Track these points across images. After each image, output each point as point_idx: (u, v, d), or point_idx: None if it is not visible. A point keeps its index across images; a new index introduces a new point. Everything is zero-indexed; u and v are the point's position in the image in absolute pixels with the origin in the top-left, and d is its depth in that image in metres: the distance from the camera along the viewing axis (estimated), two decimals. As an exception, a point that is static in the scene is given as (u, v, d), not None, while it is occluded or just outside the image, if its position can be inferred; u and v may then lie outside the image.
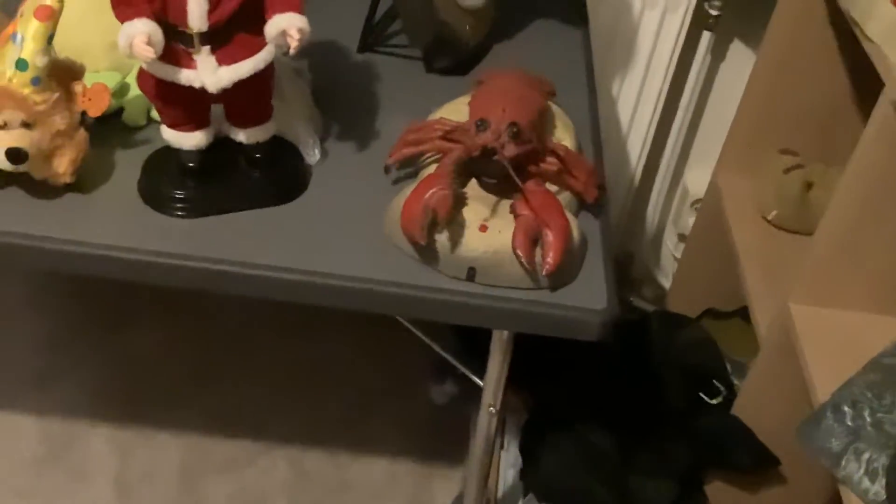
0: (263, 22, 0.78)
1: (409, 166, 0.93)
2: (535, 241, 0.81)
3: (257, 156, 0.88)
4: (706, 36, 1.42)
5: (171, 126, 0.84)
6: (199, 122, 0.84)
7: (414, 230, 0.80)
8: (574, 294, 0.83)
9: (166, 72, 0.78)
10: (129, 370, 1.49)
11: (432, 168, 0.88)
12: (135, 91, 0.91)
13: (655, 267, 1.71)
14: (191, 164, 0.85)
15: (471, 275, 0.83)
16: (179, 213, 0.85)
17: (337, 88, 1.03)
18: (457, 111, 0.95)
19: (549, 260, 0.80)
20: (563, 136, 0.95)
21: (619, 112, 1.48)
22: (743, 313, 1.45)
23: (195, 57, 0.77)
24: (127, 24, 0.73)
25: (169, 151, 0.86)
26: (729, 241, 1.38)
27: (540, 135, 0.88)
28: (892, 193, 1.00)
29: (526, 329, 0.84)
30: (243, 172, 0.88)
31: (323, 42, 1.09)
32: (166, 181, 0.86)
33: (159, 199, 0.86)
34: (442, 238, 0.82)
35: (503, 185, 0.85)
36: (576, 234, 0.83)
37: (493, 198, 0.86)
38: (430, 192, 0.81)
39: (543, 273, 0.80)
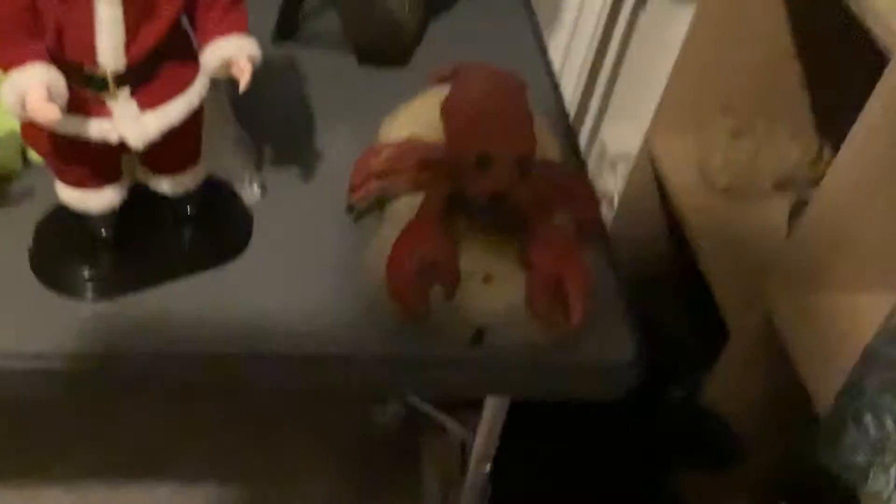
0: (192, 45, 0.59)
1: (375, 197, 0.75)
2: (554, 294, 0.67)
3: (187, 209, 0.68)
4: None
5: (73, 185, 0.63)
6: (108, 177, 0.64)
7: (410, 299, 0.64)
8: (594, 346, 0.69)
9: (71, 126, 0.57)
10: (9, 422, 1.26)
11: (404, 205, 0.72)
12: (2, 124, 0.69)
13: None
14: (102, 232, 0.65)
15: (478, 338, 0.68)
16: (90, 295, 0.65)
17: (258, 96, 0.83)
18: (416, 121, 0.78)
19: (575, 319, 0.66)
20: (547, 142, 0.80)
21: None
22: (680, 279, 1.38)
23: (109, 103, 0.57)
24: (15, 73, 0.51)
25: (70, 214, 0.65)
26: (669, 208, 1.29)
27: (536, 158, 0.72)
28: (887, 172, 0.92)
29: (541, 396, 0.70)
30: (172, 231, 0.69)
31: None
32: (71, 254, 0.66)
33: (64, 281, 0.65)
34: (439, 296, 0.66)
35: (502, 221, 0.69)
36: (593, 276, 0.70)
37: (488, 237, 0.71)
38: (424, 246, 0.65)
39: (567, 333, 0.66)
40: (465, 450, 1.07)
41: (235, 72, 0.58)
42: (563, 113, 0.91)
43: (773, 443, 1.15)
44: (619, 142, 1.49)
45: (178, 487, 1.22)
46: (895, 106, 0.86)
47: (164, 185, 0.67)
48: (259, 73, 0.87)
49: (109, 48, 0.54)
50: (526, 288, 0.67)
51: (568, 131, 0.88)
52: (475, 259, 0.68)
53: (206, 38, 0.57)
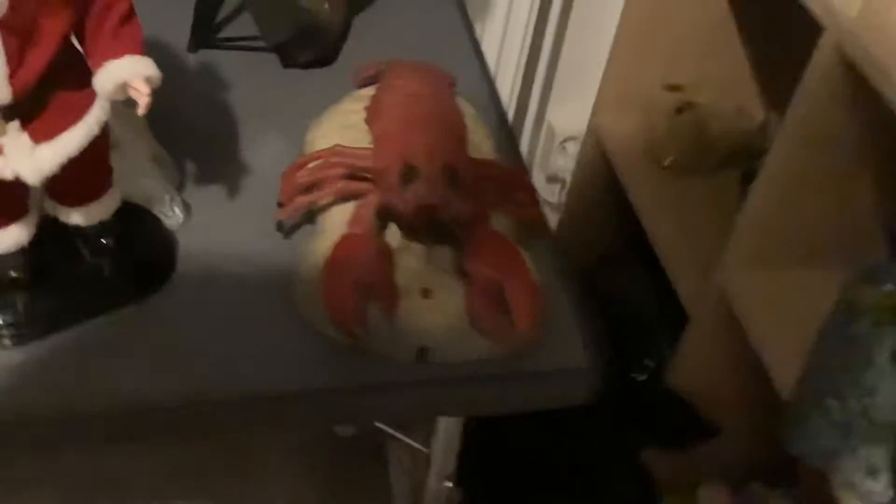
0: (85, 67, 0.55)
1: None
2: (497, 303, 0.64)
3: (102, 240, 0.64)
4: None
5: (-26, 226, 0.59)
6: (13, 214, 0.59)
7: (350, 324, 0.60)
8: (547, 355, 0.66)
9: (-43, 166, 0.53)
10: None
11: (337, 215, 0.68)
12: None
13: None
14: (12, 274, 0.61)
15: (422, 355, 0.64)
16: (6, 341, 0.61)
17: (177, 110, 0.79)
18: (344, 125, 0.74)
19: (524, 326, 0.63)
20: (480, 138, 0.76)
21: (486, 52, 1.31)
22: (635, 258, 1.36)
23: (0, 139, 0.53)
24: None
25: (-25, 256, 0.61)
26: (619, 188, 1.26)
27: (468, 159, 0.69)
28: (835, 142, 0.90)
29: (498, 410, 0.67)
30: (86, 265, 0.64)
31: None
32: (-20, 299, 0.61)
33: (-26, 327, 0.61)
34: (378, 316, 0.63)
35: (435, 230, 0.66)
36: (537, 277, 0.67)
37: (421, 246, 0.67)
38: (358, 265, 0.61)
39: (517, 342, 0.63)
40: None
41: (133, 94, 0.53)
42: (498, 106, 0.87)
43: (742, 422, 1.14)
44: (566, 123, 1.46)
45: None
46: (832, 78, 0.84)
47: (76, 217, 0.62)
48: (176, 84, 0.83)
49: (-9, 81, 0.50)
50: (466, 299, 0.64)
51: (504, 125, 0.85)
52: (411, 273, 0.65)
53: (98, 60, 0.53)
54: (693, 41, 1.21)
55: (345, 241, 0.63)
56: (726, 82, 1.23)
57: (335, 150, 0.70)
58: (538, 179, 1.55)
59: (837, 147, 0.90)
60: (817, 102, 0.87)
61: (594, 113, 1.31)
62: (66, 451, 0.63)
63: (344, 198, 0.69)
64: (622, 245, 1.41)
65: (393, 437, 0.92)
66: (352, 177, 0.68)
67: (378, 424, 0.93)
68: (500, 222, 0.70)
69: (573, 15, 1.35)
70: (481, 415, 0.73)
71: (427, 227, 0.64)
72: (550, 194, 1.53)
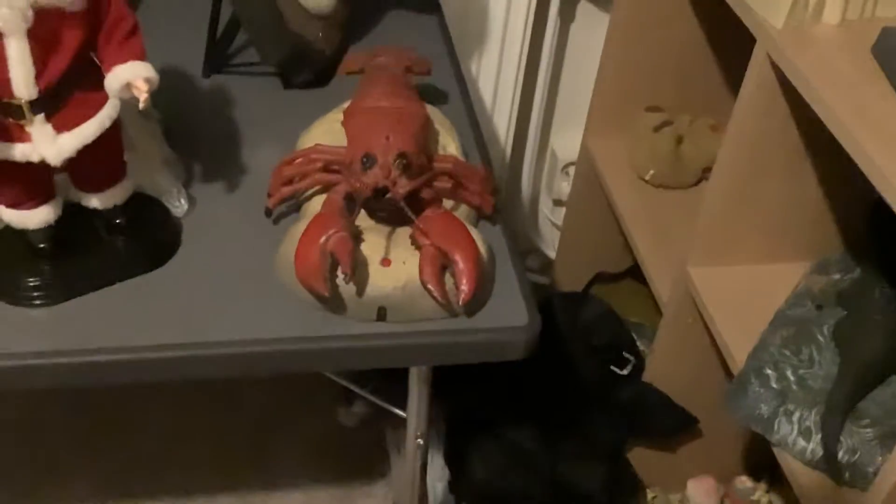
0: (101, 73, 0.68)
1: (291, 199, 0.84)
2: (444, 269, 0.75)
3: (117, 221, 0.78)
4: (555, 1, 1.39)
5: (11, 206, 0.73)
6: (43, 196, 0.73)
7: (315, 282, 0.72)
8: (492, 315, 0.78)
9: (-1, 152, 0.67)
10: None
11: (317, 203, 0.81)
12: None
13: (536, 236, 1.68)
14: (42, 245, 0.74)
15: (382, 315, 0.76)
16: (37, 301, 0.74)
17: (190, 122, 0.93)
18: (329, 130, 0.87)
19: (464, 288, 0.74)
20: (447, 141, 0.89)
21: (482, 89, 1.43)
22: (633, 273, 1.45)
23: (28, 129, 0.66)
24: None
25: (12, 231, 0.75)
26: (610, 204, 1.36)
27: (427, 152, 0.81)
28: (775, 144, 0.99)
29: (449, 361, 0.78)
30: (104, 242, 0.78)
31: (163, 71, 0.98)
32: (16, 267, 0.75)
33: (10, 290, 0.74)
34: (345, 283, 0.74)
35: (397, 214, 0.78)
36: (483, 250, 0.78)
37: (387, 227, 0.79)
38: (325, 236, 0.73)
39: (459, 303, 0.74)
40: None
41: (135, 92, 0.67)
42: (471, 115, 0.99)
43: (720, 415, 1.21)
44: (567, 149, 1.57)
45: (169, 501, 1.30)
46: (766, 85, 0.93)
47: (94, 201, 0.76)
48: (190, 102, 0.98)
49: (21, 80, 0.64)
50: (419, 268, 0.75)
51: (476, 132, 0.97)
52: (374, 246, 0.77)
53: (108, 66, 0.67)
54: (671, 65, 1.32)
55: (316, 219, 0.76)
56: (703, 102, 1.33)
57: (315, 149, 0.83)
58: (545, 204, 1.66)
59: (780, 147, 0.99)
60: (756, 108, 0.96)
61: (585, 136, 1.42)
62: (90, 396, 0.75)
63: (323, 188, 0.81)
64: (618, 260, 1.50)
65: (391, 420, 1.02)
66: (327, 170, 0.81)
67: (374, 400, 1.04)
68: (455, 208, 0.82)
69: (569, 43, 1.47)
70: (435, 364, 0.84)
71: (387, 208, 0.77)
72: (558, 217, 1.63)
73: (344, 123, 0.84)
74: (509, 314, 0.78)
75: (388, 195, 0.74)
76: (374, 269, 0.76)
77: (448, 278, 0.75)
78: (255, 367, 0.77)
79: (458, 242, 0.75)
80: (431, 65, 0.96)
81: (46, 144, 0.67)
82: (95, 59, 0.69)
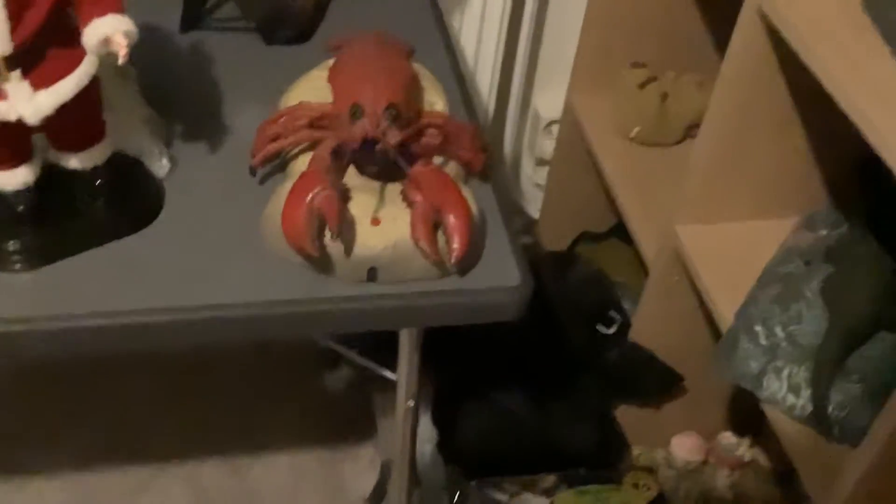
0: (77, 28, 0.66)
1: (277, 158, 0.82)
2: (435, 227, 0.74)
3: (98, 182, 0.75)
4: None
5: (-13, 167, 0.70)
6: (20, 157, 0.71)
7: (302, 242, 0.71)
8: (484, 275, 0.77)
9: (-30, 109, 0.64)
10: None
11: (303, 161, 0.79)
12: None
13: (519, 196, 1.67)
14: (20, 208, 0.72)
15: (372, 275, 0.75)
16: (17, 266, 0.72)
17: (169, 81, 0.91)
18: (313, 87, 0.85)
19: (456, 245, 0.73)
20: (435, 98, 0.87)
21: (464, 45, 1.41)
22: (618, 233, 1.45)
23: (3, 86, 0.64)
24: None
25: (-12, 193, 0.73)
26: (594, 162, 1.35)
27: (416, 106, 0.79)
28: (764, 99, 0.98)
29: (440, 322, 0.77)
30: (85, 204, 0.76)
31: (139, 27, 0.95)
32: (-6, 231, 0.73)
33: (-11, 254, 0.72)
34: (335, 242, 0.73)
35: (387, 170, 0.76)
36: (474, 209, 0.77)
37: (376, 184, 0.78)
38: (311, 194, 0.71)
39: (451, 261, 0.73)
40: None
41: (114, 46, 0.64)
42: (458, 73, 0.97)
43: (705, 374, 1.22)
44: (550, 107, 1.55)
45: (155, 467, 1.29)
46: (756, 38, 0.92)
47: (74, 162, 0.74)
48: (167, 59, 0.95)
49: (-4, 35, 0.61)
50: (410, 226, 0.74)
51: (463, 90, 0.95)
52: (363, 205, 0.75)
53: (85, 20, 0.64)
54: (656, 21, 1.30)
55: (302, 176, 0.74)
56: (687, 58, 1.31)
57: (300, 105, 0.81)
58: (527, 164, 1.65)
59: (769, 103, 0.98)
60: (745, 63, 0.95)
61: (569, 93, 1.40)
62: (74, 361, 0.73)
63: (309, 146, 0.79)
64: (603, 219, 1.49)
65: (377, 383, 1.01)
66: (313, 126, 0.79)
67: (363, 362, 1.03)
68: (442, 163, 0.80)
69: (550, 2, 1.45)
70: (426, 326, 0.83)
71: (377, 162, 0.75)
72: (541, 177, 1.62)
73: (330, 79, 0.82)
74: (501, 274, 0.77)
75: (378, 146, 0.72)
76: (364, 228, 0.74)
77: (439, 237, 0.74)
78: (241, 331, 0.76)
79: (450, 199, 0.74)
80: (412, 46, 0.93)
81: (23, 102, 0.65)
82: (72, 14, 0.66)
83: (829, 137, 1.03)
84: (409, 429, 0.93)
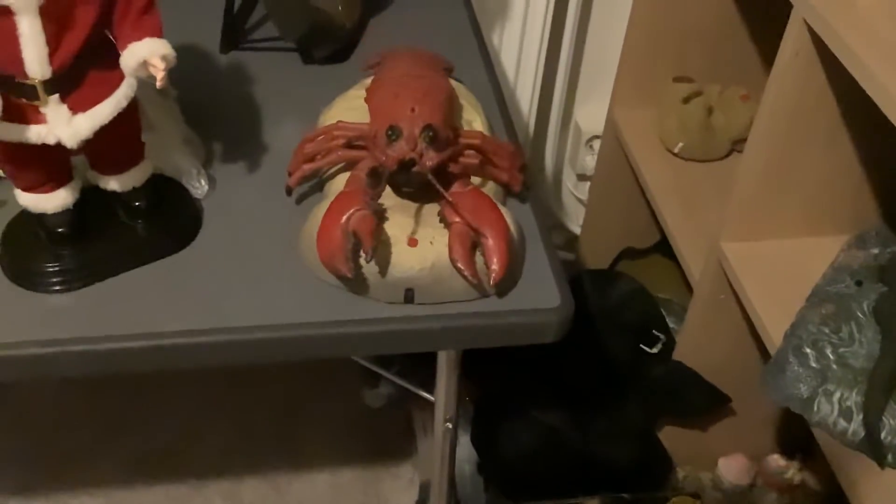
0: (116, 52, 0.66)
1: (314, 178, 0.82)
2: (474, 247, 0.73)
3: (136, 203, 0.75)
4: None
5: (28, 189, 0.71)
6: (60, 180, 0.71)
7: (337, 263, 0.70)
8: (523, 296, 0.75)
9: (11, 132, 0.64)
10: (28, 435, 1.34)
11: (340, 181, 0.78)
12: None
13: (560, 211, 1.65)
14: (60, 230, 0.72)
15: (409, 297, 0.74)
16: (57, 287, 0.72)
17: (208, 100, 0.91)
18: (351, 107, 0.85)
19: (495, 267, 0.71)
20: (473, 116, 0.86)
21: (504, 61, 1.40)
22: (661, 249, 1.42)
23: (42, 109, 0.64)
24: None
25: (29, 216, 0.73)
26: (637, 177, 1.33)
27: (453, 126, 0.78)
28: (813, 114, 0.96)
29: (478, 345, 0.76)
30: (124, 225, 0.76)
31: (179, 49, 0.95)
32: (35, 252, 0.73)
33: (29, 276, 0.73)
34: (369, 263, 0.72)
35: (424, 190, 0.75)
36: (513, 229, 0.75)
37: (413, 205, 0.77)
38: (347, 215, 0.71)
39: (491, 283, 0.72)
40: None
41: (152, 70, 0.64)
42: (497, 89, 0.96)
43: (753, 394, 1.19)
44: (591, 122, 1.53)
45: (196, 483, 1.29)
46: (803, 52, 0.90)
47: (113, 184, 0.74)
48: (207, 80, 0.95)
49: (35, 60, 0.61)
50: (448, 247, 0.72)
51: (503, 109, 0.94)
52: (399, 225, 0.74)
53: (124, 43, 0.64)
54: (700, 34, 1.28)
55: (339, 197, 0.73)
56: (732, 72, 1.29)
57: (337, 125, 0.80)
58: (569, 178, 1.63)
59: (817, 116, 0.96)
60: (792, 77, 0.93)
61: (611, 108, 1.39)
62: (113, 379, 0.73)
63: (346, 166, 0.79)
64: (645, 233, 1.47)
65: (417, 401, 1.00)
66: (350, 146, 0.78)
67: (401, 383, 1.02)
68: (483, 185, 0.79)
69: (592, 15, 1.43)
70: (464, 348, 0.82)
71: (414, 183, 0.74)
72: (582, 192, 1.60)
73: (367, 99, 0.82)
74: (540, 295, 0.75)
75: (415, 168, 0.71)
76: (401, 248, 0.73)
77: (477, 258, 0.73)
78: (279, 352, 0.75)
79: (489, 219, 0.73)
80: (452, 63, 0.92)
81: (62, 126, 0.65)
82: (111, 36, 0.66)
83: (879, 152, 1.00)
84: (447, 450, 0.92)
